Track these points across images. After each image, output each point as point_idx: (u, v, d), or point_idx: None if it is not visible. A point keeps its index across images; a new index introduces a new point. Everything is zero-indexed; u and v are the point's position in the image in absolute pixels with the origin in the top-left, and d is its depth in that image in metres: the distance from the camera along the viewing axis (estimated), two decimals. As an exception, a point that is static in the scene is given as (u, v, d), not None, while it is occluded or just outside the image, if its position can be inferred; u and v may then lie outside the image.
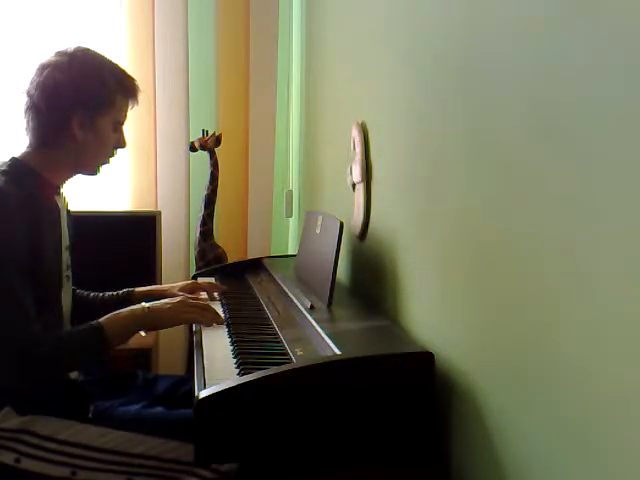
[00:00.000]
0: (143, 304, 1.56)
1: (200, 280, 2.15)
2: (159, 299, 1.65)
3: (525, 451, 1.02)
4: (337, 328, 1.47)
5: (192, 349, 1.55)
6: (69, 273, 1.60)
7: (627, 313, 0.77)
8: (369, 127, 1.79)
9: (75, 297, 1.70)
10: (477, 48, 1.17)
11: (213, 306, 1.71)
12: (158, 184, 2.88)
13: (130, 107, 1.61)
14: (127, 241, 2.61)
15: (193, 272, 2.67)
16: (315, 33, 2.63)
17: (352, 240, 1.94)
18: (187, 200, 2.89)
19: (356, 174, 1.82)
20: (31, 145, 1.53)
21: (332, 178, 2.26)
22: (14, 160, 1.51)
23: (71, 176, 1.59)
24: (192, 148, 2.79)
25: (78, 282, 1.71)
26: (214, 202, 2.79)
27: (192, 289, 1.91)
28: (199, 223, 2.78)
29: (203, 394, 1.19)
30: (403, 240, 1.55)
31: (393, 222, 1.62)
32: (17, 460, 1.40)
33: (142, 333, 1.57)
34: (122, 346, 1.54)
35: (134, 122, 2.25)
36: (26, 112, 1.52)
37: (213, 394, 1.18)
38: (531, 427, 1.00)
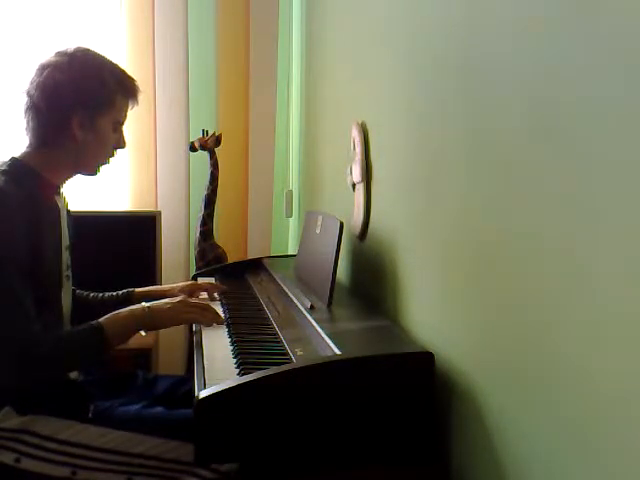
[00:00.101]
0: (143, 304, 1.57)
1: (200, 280, 2.15)
2: (159, 299, 1.65)
3: (525, 451, 1.02)
4: (337, 328, 1.47)
5: (192, 349, 1.55)
6: (69, 273, 1.60)
7: (627, 313, 0.77)
8: (369, 127, 1.79)
9: (75, 297, 1.70)
10: (477, 48, 1.17)
11: (213, 306, 1.71)
12: (158, 184, 2.88)
13: (130, 107, 1.61)
14: (127, 241, 2.61)
15: (193, 272, 2.68)
16: (315, 33, 2.63)
17: (352, 240, 1.94)
18: (187, 200, 2.89)
19: (356, 174, 1.82)
20: (31, 145, 1.53)
21: (332, 178, 2.26)
22: (14, 160, 1.51)
23: (71, 176, 1.59)
24: (192, 148, 2.79)
25: (78, 282, 1.71)
26: (214, 202, 2.79)
27: (192, 289, 1.91)
28: (199, 223, 2.78)
29: (203, 394, 1.19)
30: (403, 240, 1.55)
31: (393, 222, 1.62)
32: (17, 460, 1.40)
33: (142, 333, 1.58)
34: (122, 346, 1.54)
35: (134, 122, 2.24)
36: (26, 112, 1.52)
37: (213, 394, 1.18)
38: (531, 427, 1.00)
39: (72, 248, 1.61)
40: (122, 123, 1.60)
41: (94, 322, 1.48)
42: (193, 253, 2.83)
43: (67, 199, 1.64)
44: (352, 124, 1.86)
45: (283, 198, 3.01)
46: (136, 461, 1.42)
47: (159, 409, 1.54)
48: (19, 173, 1.49)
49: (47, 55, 1.54)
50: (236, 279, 2.21)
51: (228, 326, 1.64)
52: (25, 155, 1.53)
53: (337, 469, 1.25)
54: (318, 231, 1.85)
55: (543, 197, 0.95)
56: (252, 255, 2.88)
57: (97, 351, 1.48)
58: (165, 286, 2.00)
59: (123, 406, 1.54)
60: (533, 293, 0.98)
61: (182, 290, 1.86)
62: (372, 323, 1.54)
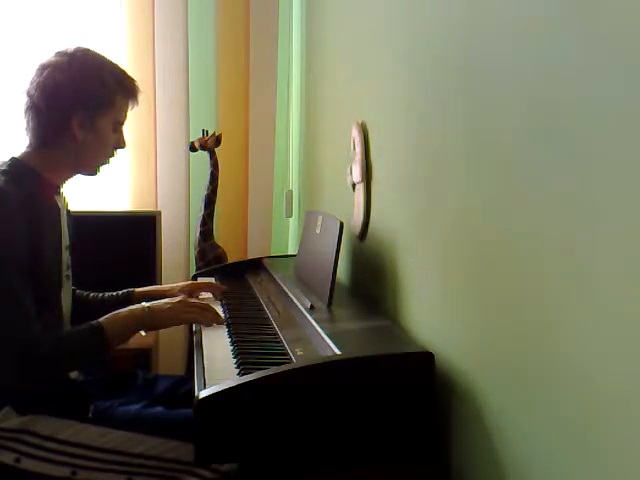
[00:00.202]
0: (143, 304, 1.57)
1: (200, 280, 2.15)
2: (159, 299, 1.65)
3: (525, 451, 1.02)
4: (337, 328, 1.47)
5: (192, 349, 1.55)
6: (69, 273, 1.60)
7: (627, 313, 0.77)
8: (369, 127, 1.79)
9: (75, 297, 1.70)
10: (477, 48, 1.17)
11: (213, 306, 1.71)
12: (158, 184, 2.88)
13: (130, 107, 1.61)
14: (127, 241, 2.61)
15: (193, 272, 2.68)
16: (315, 33, 2.63)
17: (352, 240, 1.94)
18: (187, 200, 2.89)
19: (356, 174, 1.82)
20: (31, 145, 1.53)
21: (332, 178, 2.26)
22: (14, 160, 1.51)
23: (71, 176, 1.59)
24: (192, 148, 2.79)
25: (78, 282, 1.71)
26: (214, 202, 2.79)
27: (192, 289, 1.91)
28: (199, 223, 2.78)
29: (203, 394, 1.19)
30: (403, 240, 1.55)
31: (393, 222, 1.62)
32: (17, 460, 1.40)
33: (142, 333, 1.58)
34: (122, 346, 1.54)
35: (134, 122, 2.25)
36: (26, 112, 1.52)
37: (213, 394, 1.18)
38: (531, 427, 1.00)
39: (72, 248, 1.61)
40: (122, 123, 1.60)
41: (94, 322, 1.48)
42: (193, 253, 2.83)
43: (67, 199, 1.64)
44: (352, 124, 1.86)
45: (283, 198, 3.01)
46: (136, 461, 1.42)
47: (159, 409, 1.54)
48: (19, 173, 1.49)
49: (47, 55, 1.54)
50: (236, 279, 2.21)
51: (228, 326, 1.64)
52: (25, 155, 1.53)
53: (337, 469, 1.25)
54: (318, 231, 1.85)
55: (543, 197, 0.95)
56: (252, 255, 2.88)
57: (97, 351, 1.48)
58: (165, 286, 2.00)
59: (123, 406, 1.54)
60: (533, 293, 0.98)
61: (182, 290, 1.86)
62: (372, 323, 1.54)
